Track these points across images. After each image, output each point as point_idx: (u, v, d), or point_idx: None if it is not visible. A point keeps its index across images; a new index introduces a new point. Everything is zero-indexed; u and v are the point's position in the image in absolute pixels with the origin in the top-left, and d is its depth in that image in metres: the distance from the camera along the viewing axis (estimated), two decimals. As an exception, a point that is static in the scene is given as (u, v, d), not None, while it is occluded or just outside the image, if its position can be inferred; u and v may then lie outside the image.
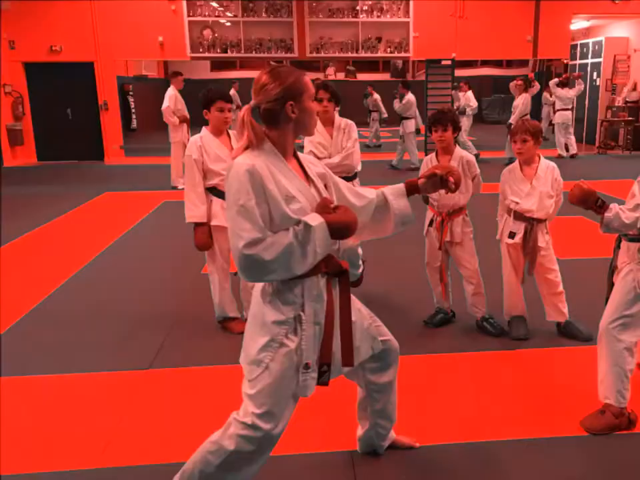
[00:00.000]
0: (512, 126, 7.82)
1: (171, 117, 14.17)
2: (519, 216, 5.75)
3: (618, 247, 4.54)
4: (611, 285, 4.56)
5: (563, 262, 6.15)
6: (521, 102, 17.43)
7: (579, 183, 4.17)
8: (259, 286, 3.27)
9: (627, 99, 20.99)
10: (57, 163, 19.31)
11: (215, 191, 5.90)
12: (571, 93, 18.72)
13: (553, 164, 5.82)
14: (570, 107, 18.93)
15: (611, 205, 4.13)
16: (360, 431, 4.07)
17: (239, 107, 23.33)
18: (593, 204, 4.13)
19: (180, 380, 5.28)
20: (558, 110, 19.01)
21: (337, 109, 6.63)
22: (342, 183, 3.51)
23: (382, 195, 3.49)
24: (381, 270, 7.86)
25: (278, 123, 3.15)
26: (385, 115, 22.83)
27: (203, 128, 6.01)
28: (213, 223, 5.94)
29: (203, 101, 5.89)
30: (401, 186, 3.50)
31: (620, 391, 4.33)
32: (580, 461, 4.09)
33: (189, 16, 18.93)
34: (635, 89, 21.05)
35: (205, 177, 5.89)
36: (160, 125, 15.66)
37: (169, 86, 14.54)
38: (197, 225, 5.93)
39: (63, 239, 10.20)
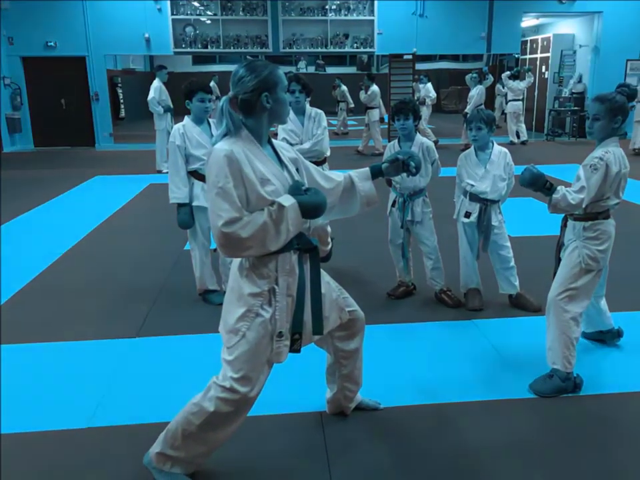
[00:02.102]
0: (468, 115, 7.81)
1: (156, 107, 14.25)
2: (474, 197, 5.75)
3: (564, 225, 4.55)
4: (558, 261, 4.56)
5: (514, 239, 6.15)
6: (476, 93, 17.46)
7: (529, 167, 4.16)
8: (236, 261, 3.26)
9: (573, 91, 21.07)
10: (52, 149, 19.33)
11: (196, 175, 5.91)
12: (521, 85, 18.77)
13: (505, 149, 5.82)
14: (520, 97, 18.99)
15: (558, 187, 4.12)
16: (328, 394, 4.07)
17: (218, 98, 23.32)
18: (542, 186, 4.11)
19: (164, 347, 5.27)
20: (510, 100, 19.06)
21: (308, 99, 6.63)
22: (312, 167, 3.50)
23: (349, 178, 3.50)
24: (349, 247, 7.84)
25: (254, 112, 3.14)
26: (352, 105, 22.81)
27: (185, 117, 6.02)
28: (194, 203, 5.95)
29: (185, 92, 5.88)
30: (366, 170, 3.52)
31: (566, 357, 4.34)
32: (529, 421, 4.10)
33: (172, 14, 18.96)
34: (580, 81, 21.13)
35: (187, 162, 5.90)
36: (146, 114, 15.63)
37: (154, 79, 14.54)
38: (180, 205, 5.94)
39: (57, 218, 10.13)
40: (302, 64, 20.07)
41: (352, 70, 30.47)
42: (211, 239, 6.00)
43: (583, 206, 4.14)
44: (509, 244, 5.90)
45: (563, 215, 4.49)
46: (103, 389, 4.54)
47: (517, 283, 5.96)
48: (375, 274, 6.90)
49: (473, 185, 5.72)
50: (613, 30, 20.05)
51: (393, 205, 6.08)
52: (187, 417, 3.28)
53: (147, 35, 18.87)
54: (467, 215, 5.81)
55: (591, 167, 4.11)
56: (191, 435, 3.28)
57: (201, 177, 5.79)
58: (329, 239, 7.11)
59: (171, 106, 14.43)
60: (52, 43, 18.74)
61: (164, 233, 8.66)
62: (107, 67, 19.91)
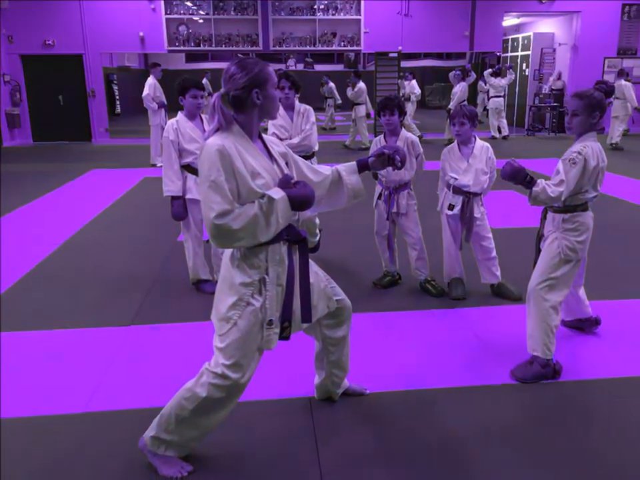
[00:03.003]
0: (451, 111, 7.80)
1: (150, 103, 14.21)
2: (457, 190, 5.75)
3: (544, 217, 4.55)
4: (538, 251, 4.56)
5: (496, 231, 6.14)
6: (459, 90, 17.49)
7: (510, 161, 4.15)
8: (228, 252, 3.26)
9: (553, 87, 21.10)
10: (50, 143, 19.33)
11: (189, 168, 5.91)
12: (502, 82, 18.74)
13: (487, 144, 5.82)
14: (502, 94, 18.95)
15: (538, 181, 4.12)
16: (317, 380, 4.06)
17: (210, 94, 23.24)
18: (523, 180, 4.10)
19: (158, 335, 5.25)
20: (492, 97, 19.03)
21: (297, 95, 6.62)
22: (301, 161, 3.49)
23: (336, 172, 3.51)
24: (336, 238, 7.83)
25: (245, 108, 3.14)
26: (339, 101, 22.92)
27: (179, 113, 6.01)
28: (187, 196, 5.95)
29: (179, 89, 5.89)
30: (353, 164, 3.53)
31: (546, 344, 4.35)
32: (510, 406, 4.10)
33: (166, 14, 18.92)
34: (559, 78, 21.17)
35: (180, 156, 5.90)
36: (141, 110, 15.61)
37: (149, 76, 14.48)
38: (174, 198, 5.94)
39: (55, 210, 10.08)
40: (291, 62, 20.01)
41: (339, 67, 30.50)
42: (204, 230, 6.00)
43: (562, 199, 4.14)
44: (490, 235, 5.90)
45: (543, 207, 4.50)
46: (99, 375, 4.53)
47: (498, 273, 5.96)
48: (362, 264, 6.89)
49: (456, 179, 5.72)
50: (590, 29, 20.10)
51: (378, 198, 6.06)
52: (180, 402, 3.28)
53: (141, 34, 18.85)
54: (450, 207, 5.81)
55: (569, 160, 4.12)
56: (184, 419, 3.28)
57: (194, 171, 5.78)
58: (318, 231, 7.11)
59: (165, 102, 14.38)
60: (50, 42, 18.68)
61: (158, 224, 8.65)
62: (102, 64, 19.90)
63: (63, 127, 19.65)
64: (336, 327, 3.76)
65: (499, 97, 18.85)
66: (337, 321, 3.75)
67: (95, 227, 8.94)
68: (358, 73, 17.92)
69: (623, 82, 16.59)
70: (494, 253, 5.93)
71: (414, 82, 19.52)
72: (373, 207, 6.15)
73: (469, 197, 5.73)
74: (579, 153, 4.11)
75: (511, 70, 19.34)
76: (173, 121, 5.94)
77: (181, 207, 5.95)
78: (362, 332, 4.95)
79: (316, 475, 3.38)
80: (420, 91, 19.83)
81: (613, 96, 16.17)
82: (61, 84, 19.41)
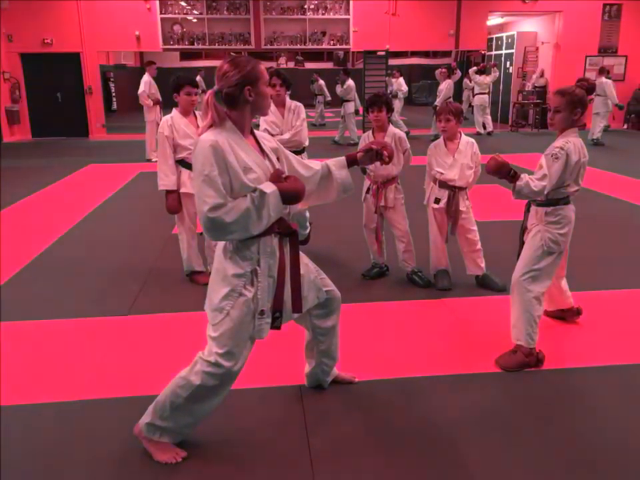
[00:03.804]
0: (437, 107, 7.79)
1: (145, 100, 14.22)
2: (443, 184, 5.75)
3: (528, 210, 4.55)
4: (522, 243, 4.57)
5: (480, 224, 6.14)
6: (445, 87, 17.52)
7: (495, 156, 4.14)
8: (221, 244, 3.26)
9: (536, 85, 21.14)
10: (48, 139, 19.27)
11: (184, 163, 5.90)
12: (487, 80, 18.77)
13: (472, 140, 5.83)
14: (487, 91, 18.98)
15: (522, 175, 4.11)
16: (307, 368, 4.07)
17: (204, 91, 23.14)
18: (507, 174, 4.10)
19: (153, 324, 5.26)
20: (476, 94, 19.05)
21: (288, 92, 6.63)
22: (292, 156, 3.50)
23: (326, 167, 3.51)
24: (326, 231, 7.82)
25: (237, 105, 3.14)
26: (329, 98, 22.83)
27: (173, 109, 6.02)
28: (181, 190, 5.96)
29: (173, 86, 5.90)
30: (343, 159, 3.53)
31: (530, 334, 4.36)
32: (495, 394, 4.11)
33: (161, 13, 18.94)
34: (542, 75, 21.19)
35: (174, 151, 5.90)
36: (136, 107, 15.54)
37: (144, 74, 14.47)
38: (168, 192, 5.94)
39: (53, 204, 10.07)
40: (282, 60, 19.96)
41: (329, 65, 30.42)
42: (197, 224, 5.99)
43: (545, 193, 4.14)
44: (475, 228, 5.91)
45: (527, 201, 4.50)
46: (97, 363, 4.52)
47: (483, 265, 5.97)
48: (351, 256, 6.89)
49: (442, 173, 5.73)
50: (572, 28, 20.17)
51: (367, 192, 6.06)
52: (174, 390, 3.28)
53: (137, 33, 18.84)
54: (437, 201, 5.81)
55: (552, 156, 4.13)
56: (178, 406, 3.29)
57: (188, 166, 5.77)
58: (308, 224, 7.10)
59: (160, 99, 14.35)
60: (48, 40, 18.64)
61: (153, 217, 8.63)
62: (99, 62, 19.86)
63: (61, 123, 19.61)
64: (325, 317, 3.77)
65: (484, 93, 18.88)
66: (327, 311, 3.75)
67: (92, 220, 8.93)
68: (347, 71, 17.98)
69: (604, 79, 16.63)
70: (479, 245, 5.93)
71: (401, 79, 19.50)
72: (361, 201, 6.14)
73: (454, 190, 5.73)
74: (561, 149, 4.11)
75: (495, 68, 19.38)
76: (167, 117, 5.94)
77: (175, 201, 5.95)
78: (351, 322, 4.95)
79: (306, 462, 3.38)
80: (407, 88, 19.82)
81: (595, 93, 16.25)
82: (59, 81, 19.39)
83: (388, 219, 6.07)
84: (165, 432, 3.39)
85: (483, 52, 22.90)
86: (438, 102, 17.32)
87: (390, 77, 19.76)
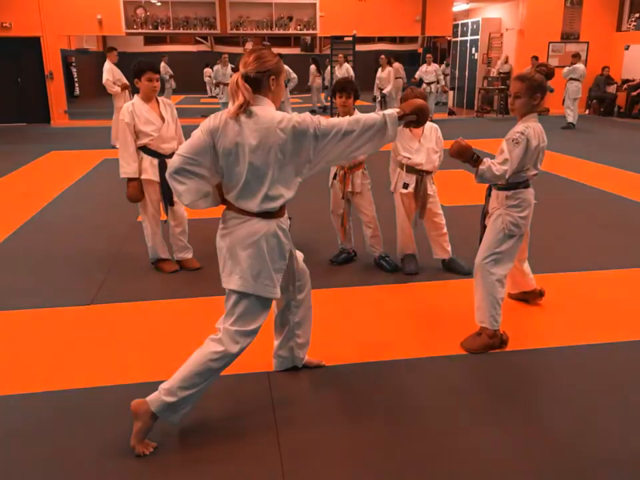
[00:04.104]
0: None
1: (112, 88, 13.87)
2: (410, 169, 5.80)
3: (489, 194, 4.61)
4: (484, 228, 4.63)
5: (446, 208, 6.20)
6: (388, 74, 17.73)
7: (458, 140, 4.20)
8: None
9: (500, 71, 21.29)
10: (7, 125, 18.92)
11: (146, 149, 5.84)
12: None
13: (435, 125, 5.91)
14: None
15: (484, 159, 4.17)
16: (277, 346, 4.10)
17: (171, 77, 23.04)
18: (470, 158, 4.15)
19: (118, 314, 5.22)
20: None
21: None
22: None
23: (383, 121, 3.37)
24: (293, 217, 7.77)
25: (259, 92, 3.26)
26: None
27: (135, 95, 5.94)
28: (142, 176, 5.87)
29: (134, 72, 5.80)
30: (395, 115, 3.39)
31: (493, 316, 4.43)
32: (461, 375, 4.18)
33: (124, -4, 18.58)
34: (506, 61, 21.32)
35: (137, 138, 5.81)
36: (100, 92, 15.36)
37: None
38: (129, 180, 5.86)
39: (13, 192, 9.93)
40: (249, 45, 19.85)
41: (296, 51, 30.35)
42: (160, 211, 6.00)
43: (507, 177, 4.20)
44: (441, 212, 5.98)
45: (488, 185, 4.57)
46: (59, 353, 4.49)
47: (449, 249, 6.04)
48: (318, 242, 6.93)
49: (409, 158, 5.77)
50: (535, 14, 20.28)
51: (334, 178, 6.08)
52: (207, 364, 3.36)
53: (99, 16, 18.42)
54: (405, 185, 5.85)
55: (513, 140, 4.18)
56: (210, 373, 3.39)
57: (150, 152, 5.79)
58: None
59: (128, 83, 13.98)
60: (7, 24, 18.21)
61: (117, 205, 8.46)
62: (60, 46, 19.49)
63: (21, 109, 19.34)
64: (300, 290, 3.91)
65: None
66: (301, 284, 3.90)
67: (54, 209, 8.84)
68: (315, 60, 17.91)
69: (581, 65, 16.84)
70: (445, 230, 6.00)
71: (346, 64, 18.91)
72: (328, 187, 6.18)
73: (422, 175, 5.78)
74: (522, 133, 4.17)
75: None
76: (128, 104, 5.86)
77: (136, 189, 5.87)
78: (319, 307, 4.92)
79: (275, 452, 3.39)
80: (353, 73, 19.59)
81: (569, 77, 16.45)
82: (19, 66, 19.08)
83: (355, 204, 6.11)
84: (177, 409, 3.37)
85: (448, 38, 23.00)
86: (386, 91, 17.61)
87: (339, 64, 19.11)
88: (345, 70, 18.65)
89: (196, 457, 3.32)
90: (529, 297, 5.25)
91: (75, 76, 24.31)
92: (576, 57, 17.15)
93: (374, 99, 17.90)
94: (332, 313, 5.16)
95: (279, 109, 3.35)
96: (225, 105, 14.57)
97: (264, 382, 4.07)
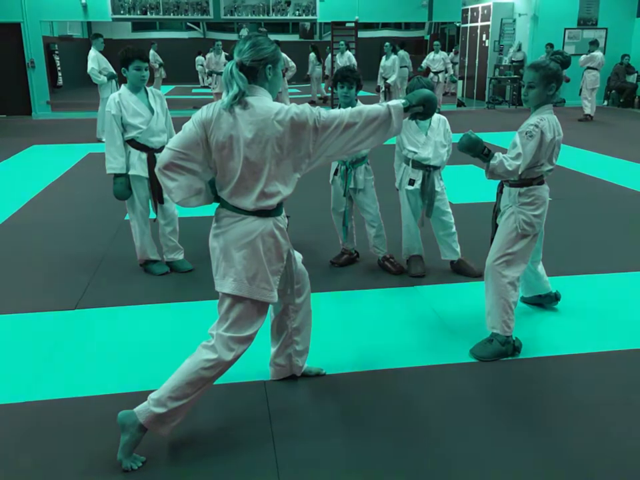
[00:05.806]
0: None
1: (98, 77, 13.75)
2: (417, 164, 5.78)
3: (500, 191, 4.61)
4: (495, 227, 4.62)
5: (454, 206, 6.21)
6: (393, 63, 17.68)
7: (467, 133, 4.19)
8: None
9: (513, 59, 21.28)
10: (-15, 118, 18.89)
11: (134, 143, 5.82)
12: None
13: (443, 117, 5.88)
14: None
15: (496, 154, 4.16)
16: (274, 354, 4.09)
17: (161, 65, 23.05)
18: (480, 152, 4.15)
19: (104, 319, 5.20)
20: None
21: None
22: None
23: (388, 112, 3.36)
24: (292, 216, 7.77)
25: (255, 81, 3.26)
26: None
27: (122, 85, 5.91)
28: (130, 172, 5.84)
29: (122, 60, 5.75)
30: (401, 107, 3.38)
31: (505, 321, 4.41)
32: (470, 385, 4.17)
33: (110, -21, 18.50)
34: (519, 49, 21.31)
35: (125, 131, 5.78)
36: (85, 82, 15.39)
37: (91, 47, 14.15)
38: (116, 176, 5.82)
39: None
40: (244, 31, 19.81)
41: (294, 38, 30.35)
42: (150, 209, 5.98)
43: (519, 172, 4.19)
44: (450, 210, 5.96)
45: (499, 181, 4.57)
46: (40, 362, 4.48)
47: (458, 249, 6.03)
48: (318, 242, 6.93)
49: (415, 152, 5.76)
50: (551, -2, 20.26)
51: (335, 173, 6.06)
52: (198, 373, 3.33)
53: (83, 1, 18.37)
54: (411, 182, 5.84)
55: (526, 134, 4.17)
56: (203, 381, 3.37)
57: (138, 146, 5.77)
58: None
59: (114, 72, 13.92)
60: (-15, 10, 18.20)
61: (104, 202, 8.41)
62: (43, 33, 19.46)
63: (0, 100, 19.18)
64: (299, 294, 3.89)
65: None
66: (299, 287, 3.88)
67: (35, 206, 8.82)
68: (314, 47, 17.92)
69: (600, 53, 16.84)
70: (454, 229, 5.98)
71: (348, 52, 18.91)
72: (329, 183, 6.18)
73: (429, 170, 5.77)
74: (536, 126, 4.16)
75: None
76: (115, 94, 5.83)
77: (123, 186, 5.83)
78: (319, 312, 4.93)
79: (272, 467, 3.37)
80: (355, 62, 19.56)
81: (588, 66, 16.42)
82: (-2, 54, 19.01)
83: (358, 202, 6.10)
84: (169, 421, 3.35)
85: (457, 24, 22.99)
86: (391, 81, 17.63)
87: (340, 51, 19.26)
88: (346, 58, 18.61)
89: (187, 471, 3.31)
90: (543, 301, 5.24)
91: (58, 65, 24.31)
92: (594, 44, 17.09)
93: (377, 89, 17.89)
94: (333, 318, 5.15)
95: (276, 99, 3.36)
96: (219, 95, 14.62)
97: (260, 392, 4.06)
